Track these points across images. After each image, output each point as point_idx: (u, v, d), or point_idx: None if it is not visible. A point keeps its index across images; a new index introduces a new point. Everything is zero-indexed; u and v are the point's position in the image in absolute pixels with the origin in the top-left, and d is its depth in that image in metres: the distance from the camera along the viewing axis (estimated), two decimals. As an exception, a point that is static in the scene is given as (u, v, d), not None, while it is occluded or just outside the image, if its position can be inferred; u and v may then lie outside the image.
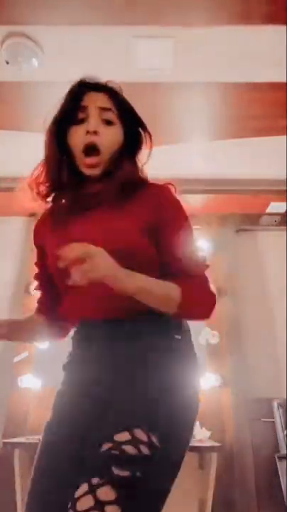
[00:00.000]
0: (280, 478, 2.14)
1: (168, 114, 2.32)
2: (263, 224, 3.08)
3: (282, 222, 3.06)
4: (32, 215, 3.12)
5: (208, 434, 2.09)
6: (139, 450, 0.65)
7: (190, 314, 0.87)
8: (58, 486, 0.74)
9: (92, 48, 1.92)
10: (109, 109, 0.94)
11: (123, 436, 0.66)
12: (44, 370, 2.56)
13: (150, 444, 0.67)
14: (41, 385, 2.53)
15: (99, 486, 0.60)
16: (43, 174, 1.02)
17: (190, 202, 2.97)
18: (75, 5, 1.70)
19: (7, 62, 1.94)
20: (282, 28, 1.78)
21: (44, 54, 1.93)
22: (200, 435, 2.06)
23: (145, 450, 0.66)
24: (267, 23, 1.76)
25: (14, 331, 1.00)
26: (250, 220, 3.11)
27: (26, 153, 2.72)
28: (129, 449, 0.65)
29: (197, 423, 2.10)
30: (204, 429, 2.09)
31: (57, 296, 0.99)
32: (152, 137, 1.05)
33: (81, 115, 0.93)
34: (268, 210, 3.03)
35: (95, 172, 0.92)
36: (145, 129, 1.05)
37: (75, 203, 0.93)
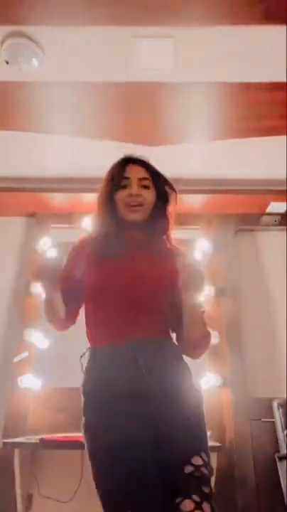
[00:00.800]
0: (280, 478, 2.14)
1: (168, 114, 2.32)
2: (263, 224, 3.08)
3: (282, 222, 3.06)
4: (32, 215, 3.13)
5: (208, 434, 2.09)
6: (208, 470, 0.94)
7: (198, 350, 1.20)
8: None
9: (92, 47, 1.92)
10: (146, 179, 1.28)
11: (197, 460, 0.94)
12: (44, 370, 2.56)
13: (208, 463, 0.96)
14: (41, 385, 2.53)
15: (201, 502, 0.87)
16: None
17: (190, 202, 2.98)
18: (75, 5, 1.70)
19: (7, 62, 1.94)
20: (282, 28, 1.78)
21: (44, 54, 1.93)
22: (200, 435, 2.06)
23: (208, 469, 0.95)
24: (267, 23, 1.76)
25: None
26: (250, 220, 3.10)
27: (26, 153, 2.74)
28: (205, 470, 0.93)
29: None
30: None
31: (74, 302, 1.22)
32: (176, 194, 1.40)
33: (124, 182, 1.25)
34: (268, 210, 3.02)
35: (137, 218, 1.24)
36: (172, 188, 1.38)
37: (120, 242, 1.20)
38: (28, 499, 2.10)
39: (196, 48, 1.91)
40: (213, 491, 0.95)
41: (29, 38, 1.86)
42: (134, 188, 1.24)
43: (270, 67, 2.00)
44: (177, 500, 0.88)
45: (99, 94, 2.20)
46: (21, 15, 1.75)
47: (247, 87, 2.11)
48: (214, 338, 2.63)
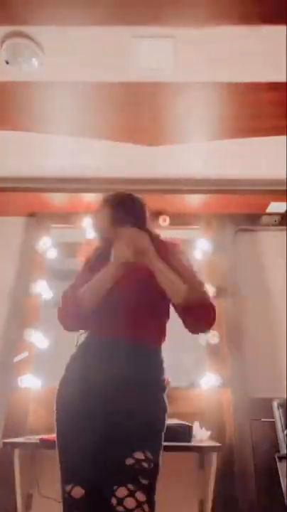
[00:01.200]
0: (280, 478, 2.14)
1: (168, 114, 2.32)
2: (263, 224, 3.08)
3: (282, 222, 3.06)
4: (32, 215, 3.13)
5: (208, 434, 2.09)
6: (149, 465, 1.02)
7: (193, 313, 1.21)
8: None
9: (92, 47, 1.92)
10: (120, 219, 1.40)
11: (139, 455, 1.03)
12: (44, 370, 2.56)
13: (151, 460, 1.04)
14: (41, 385, 2.53)
15: (135, 491, 0.97)
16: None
17: (190, 202, 2.98)
18: (75, 5, 1.70)
19: (7, 62, 1.94)
20: (282, 28, 1.78)
21: (44, 54, 1.93)
22: (200, 435, 2.06)
23: (151, 464, 1.03)
24: (267, 23, 1.76)
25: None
26: (250, 220, 3.11)
27: (26, 153, 2.74)
28: (145, 465, 1.02)
29: (197, 423, 2.10)
30: (204, 429, 2.09)
31: None
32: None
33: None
34: (268, 210, 3.03)
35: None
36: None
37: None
38: (28, 499, 2.10)
39: (196, 48, 1.91)
40: (154, 485, 1.04)
41: (29, 38, 1.86)
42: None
43: (270, 67, 2.00)
44: (115, 487, 0.99)
45: (99, 94, 2.19)
46: (21, 15, 1.75)
47: (247, 87, 2.11)
48: (214, 338, 2.63)
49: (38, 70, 2.00)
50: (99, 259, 1.35)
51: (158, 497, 1.09)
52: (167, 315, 1.33)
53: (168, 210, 2.99)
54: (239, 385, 2.50)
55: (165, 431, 1.16)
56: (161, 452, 1.12)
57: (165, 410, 1.19)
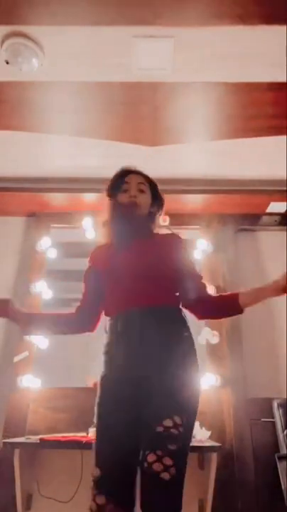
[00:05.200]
0: (280, 478, 2.14)
1: (168, 114, 2.32)
2: (263, 224, 3.08)
3: (282, 222, 3.06)
4: (32, 215, 3.13)
5: (208, 434, 2.09)
6: (179, 431, 1.10)
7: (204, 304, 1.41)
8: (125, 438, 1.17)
9: (92, 48, 1.92)
10: (143, 183, 1.48)
11: (168, 422, 1.10)
12: (44, 370, 2.56)
13: (181, 425, 1.12)
14: (41, 385, 2.53)
15: (163, 456, 1.05)
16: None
17: (190, 202, 2.98)
18: (76, 5, 1.70)
19: (7, 62, 1.94)
20: (282, 28, 1.78)
21: (44, 54, 1.93)
22: (200, 435, 2.06)
23: (180, 430, 1.11)
24: (267, 23, 1.76)
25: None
26: (250, 220, 3.11)
27: (26, 153, 2.74)
28: (174, 431, 1.09)
29: (197, 423, 2.10)
30: (204, 429, 2.09)
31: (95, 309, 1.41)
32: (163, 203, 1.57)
33: (125, 187, 1.46)
34: (268, 210, 3.03)
35: (133, 212, 1.43)
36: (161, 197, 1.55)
37: (126, 237, 1.42)
38: (28, 499, 2.10)
39: (196, 48, 1.91)
40: (185, 449, 1.14)
41: (29, 38, 1.86)
42: (134, 191, 1.45)
43: (270, 67, 1.99)
44: (146, 452, 1.08)
45: (99, 94, 2.20)
46: (21, 15, 1.75)
47: (247, 87, 2.11)
48: (214, 338, 2.64)
49: (38, 70, 2.00)
50: (115, 249, 1.40)
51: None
52: (178, 283, 1.39)
53: (168, 210, 2.98)
54: (239, 385, 2.50)
55: (198, 393, 1.27)
56: (193, 417, 1.22)
57: (197, 371, 1.28)
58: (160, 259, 1.35)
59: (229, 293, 1.40)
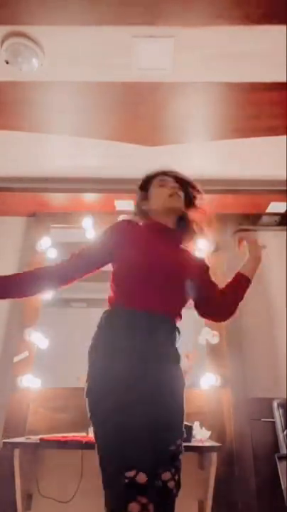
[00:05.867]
0: (280, 478, 2.14)
1: (168, 114, 2.32)
2: (263, 224, 3.08)
3: (282, 222, 3.06)
4: (32, 215, 3.13)
5: (208, 434, 2.09)
6: (181, 448, 1.20)
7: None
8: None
9: (92, 47, 1.92)
10: (182, 178, 1.54)
11: (179, 441, 1.19)
12: (44, 370, 2.56)
13: (181, 443, 1.21)
14: (41, 385, 2.53)
15: (175, 474, 1.14)
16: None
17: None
18: (75, 5, 1.70)
19: (7, 62, 1.94)
20: (282, 28, 1.78)
21: (44, 54, 1.93)
22: (200, 435, 2.06)
23: (182, 447, 1.20)
24: (267, 23, 1.76)
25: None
26: (250, 220, 3.11)
27: (26, 153, 2.74)
28: (180, 448, 1.19)
29: (197, 423, 2.10)
30: (204, 429, 2.09)
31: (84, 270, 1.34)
32: (198, 190, 1.61)
33: (162, 183, 1.49)
34: (268, 210, 3.03)
35: (179, 204, 1.47)
36: (198, 191, 1.59)
37: (159, 233, 1.41)
38: (28, 499, 2.10)
39: (196, 48, 1.91)
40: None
41: (29, 38, 1.86)
42: (174, 183, 1.48)
43: (270, 67, 2.00)
44: (160, 470, 1.13)
45: (99, 94, 2.20)
46: (21, 15, 1.75)
47: (247, 87, 2.11)
48: (214, 338, 2.63)
49: (38, 70, 2.00)
50: (145, 240, 1.37)
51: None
52: (187, 299, 1.39)
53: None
54: (239, 385, 2.50)
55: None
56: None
57: (184, 385, 1.29)
58: (189, 274, 1.36)
59: (231, 280, 1.50)
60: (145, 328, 1.21)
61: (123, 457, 1.05)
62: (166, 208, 1.43)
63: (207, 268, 1.51)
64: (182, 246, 1.48)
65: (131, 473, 1.03)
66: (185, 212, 1.49)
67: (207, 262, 1.53)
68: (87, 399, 1.21)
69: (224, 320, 1.54)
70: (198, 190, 1.57)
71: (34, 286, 1.28)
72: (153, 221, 1.44)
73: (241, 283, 1.50)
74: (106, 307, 1.31)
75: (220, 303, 1.48)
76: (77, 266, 1.33)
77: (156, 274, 1.28)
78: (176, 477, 1.14)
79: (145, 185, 1.51)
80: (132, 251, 1.32)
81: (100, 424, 1.13)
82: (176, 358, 1.27)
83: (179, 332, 1.31)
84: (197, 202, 1.55)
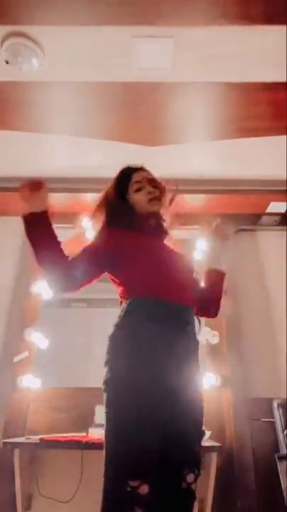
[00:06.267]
0: (280, 478, 2.14)
1: (168, 114, 2.32)
2: (263, 224, 3.08)
3: (282, 222, 3.06)
4: (32, 215, 3.13)
5: (208, 434, 2.09)
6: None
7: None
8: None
9: (92, 47, 1.92)
10: (152, 178, 1.50)
11: (200, 443, 1.22)
12: (44, 370, 2.57)
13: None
14: (41, 385, 2.53)
15: (197, 475, 1.15)
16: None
17: (190, 202, 2.98)
18: (75, 5, 1.70)
19: (7, 62, 1.94)
20: (282, 28, 1.78)
21: (44, 54, 1.93)
22: (200, 435, 2.06)
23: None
24: (267, 23, 1.76)
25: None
26: (250, 220, 3.11)
27: (26, 153, 2.74)
28: (200, 452, 1.20)
29: (197, 423, 2.10)
30: (204, 429, 2.09)
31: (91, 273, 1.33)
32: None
33: (137, 186, 1.46)
34: (268, 210, 3.03)
35: (159, 209, 1.47)
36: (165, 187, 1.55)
37: (149, 230, 1.43)
38: (28, 499, 2.10)
39: (196, 48, 1.91)
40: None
41: (29, 38, 1.85)
42: (150, 187, 1.45)
43: (270, 67, 1.99)
44: (185, 471, 1.11)
45: (99, 94, 2.19)
46: (21, 15, 1.75)
47: (247, 87, 2.11)
48: (214, 338, 2.64)
49: (38, 70, 2.00)
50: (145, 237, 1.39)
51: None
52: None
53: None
54: (239, 385, 2.50)
55: None
56: None
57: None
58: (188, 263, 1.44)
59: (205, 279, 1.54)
60: (175, 319, 1.22)
61: (132, 464, 1.04)
62: (147, 213, 1.44)
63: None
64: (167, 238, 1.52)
65: (135, 483, 1.02)
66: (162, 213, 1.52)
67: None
68: (108, 390, 1.14)
69: (210, 317, 1.57)
70: (166, 189, 1.54)
71: (49, 266, 1.29)
72: (137, 224, 1.42)
73: (216, 280, 1.56)
74: (123, 299, 1.30)
75: (202, 301, 1.46)
76: (79, 272, 1.29)
77: (172, 267, 1.33)
78: (197, 479, 1.15)
79: (121, 190, 1.48)
80: (139, 252, 1.34)
81: (118, 422, 1.09)
82: (197, 350, 1.28)
83: (199, 321, 1.33)
84: (172, 201, 1.57)
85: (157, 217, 1.49)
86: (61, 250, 1.28)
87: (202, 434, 1.24)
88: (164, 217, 1.53)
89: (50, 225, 1.29)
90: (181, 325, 1.23)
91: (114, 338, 1.21)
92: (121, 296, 1.32)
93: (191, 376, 1.21)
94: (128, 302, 1.24)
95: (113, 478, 1.05)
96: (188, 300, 1.30)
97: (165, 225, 1.53)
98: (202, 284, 1.50)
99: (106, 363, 1.18)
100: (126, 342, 1.17)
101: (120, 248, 1.32)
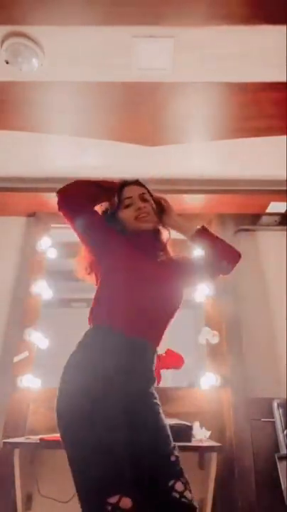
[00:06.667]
0: (280, 478, 2.14)
1: (168, 114, 2.32)
2: (263, 224, 3.08)
3: (282, 222, 3.06)
4: (32, 215, 3.13)
5: (208, 434, 2.09)
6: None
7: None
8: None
9: (92, 47, 1.92)
10: (145, 193, 1.46)
11: (176, 452, 1.16)
12: (44, 370, 2.56)
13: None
14: (41, 385, 2.53)
15: (187, 482, 1.09)
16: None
17: (190, 202, 2.98)
18: (75, 5, 1.70)
19: (7, 62, 1.94)
20: (282, 28, 1.78)
21: (44, 54, 1.93)
22: (200, 435, 2.06)
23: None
24: (267, 23, 1.76)
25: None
26: (250, 220, 3.11)
27: (26, 153, 2.74)
28: (178, 460, 1.14)
29: (197, 423, 2.10)
30: (204, 429, 2.09)
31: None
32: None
33: (127, 202, 1.43)
34: (268, 210, 3.03)
35: (149, 226, 1.42)
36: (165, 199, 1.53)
37: (138, 247, 1.37)
38: (28, 499, 2.10)
39: (196, 48, 1.91)
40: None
41: (29, 38, 1.86)
42: (139, 203, 1.42)
43: (270, 67, 2.00)
44: (171, 483, 1.06)
45: (99, 94, 2.20)
46: (21, 15, 1.75)
47: (247, 87, 2.11)
48: (214, 338, 2.63)
49: (38, 70, 2.00)
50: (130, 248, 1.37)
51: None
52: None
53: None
54: (239, 385, 2.50)
55: None
56: None
57: None
58: (176, 292, 1.34)
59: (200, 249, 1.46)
60: (131, 354, 1.19)
61: (102, 481, 0.96)
62: (135, 230, 1.41)
63: (183, 257, 1.50)
64: (161, 256, 1.46)
65: (113, 499, 0.92)
66: (157, 226, 1.47)
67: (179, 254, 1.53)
68: (60, 412, 1.18)
69: (228, 273, 1.45)
70: (162, 204, 1.51)
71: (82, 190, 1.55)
72: (130, 236, 1.41)
73: (201, 240, 1.42)
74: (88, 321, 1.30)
75: (212, 261, 1.41)
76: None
77: (148, 298, 1.26)
78: (187, 485, 1.08)
79: (114, 205, 1.47)
80: (119, 265, 1.31)
81: (75, 442, 1.11)
82: (154, 383, 1.27)
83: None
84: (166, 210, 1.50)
85: (148, 234, 1.43)
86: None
87: (173, 443, 1.16)
88: (162, 231, 1.49)
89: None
90: (139, 363, 1.21)
91: (68, 365, 1.26)
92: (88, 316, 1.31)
93: (145, 416, 1.18)
94: (87, 332, 1.27)
95: (90, 502, 0.97)
96: (154, 338, 1.27)
97: (162, 240, 1.49)
98: (201, 253, 1.45)
99: (61, 379, 1.24)
100: (78, 376, 1.20)
101: (107, 242, 1.34)
